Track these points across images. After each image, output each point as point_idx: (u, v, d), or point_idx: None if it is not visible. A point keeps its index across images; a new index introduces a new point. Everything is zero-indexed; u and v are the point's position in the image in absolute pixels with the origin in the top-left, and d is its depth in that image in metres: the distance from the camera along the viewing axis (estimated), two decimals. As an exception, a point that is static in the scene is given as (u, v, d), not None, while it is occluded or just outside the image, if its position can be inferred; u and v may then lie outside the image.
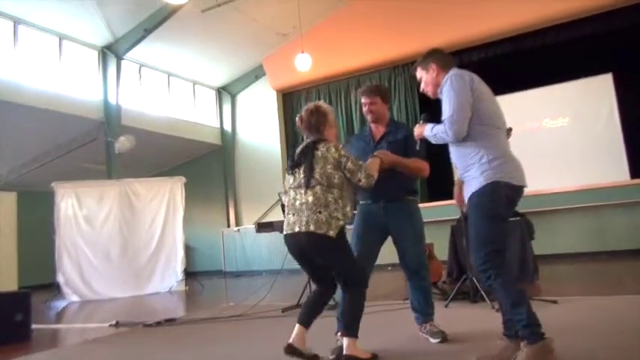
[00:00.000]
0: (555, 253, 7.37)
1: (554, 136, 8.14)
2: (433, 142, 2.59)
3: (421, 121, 2.74)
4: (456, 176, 2.72)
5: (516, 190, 2.44)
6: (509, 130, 4.85)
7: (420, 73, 2.69)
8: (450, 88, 2.42)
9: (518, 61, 8.19)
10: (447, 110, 2.42)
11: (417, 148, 2.90)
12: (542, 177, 7.86)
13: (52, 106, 7.75)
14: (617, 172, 7.54)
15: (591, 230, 7.52)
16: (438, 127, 2.48)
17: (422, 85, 2.69)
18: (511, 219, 5.08)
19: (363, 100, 3.18)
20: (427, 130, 2.58)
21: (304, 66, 8.62)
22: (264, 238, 9.39)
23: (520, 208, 5.74)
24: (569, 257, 7.39)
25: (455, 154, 2.55)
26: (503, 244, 2.39)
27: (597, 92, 7.90)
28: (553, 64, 7.90)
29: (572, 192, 7.59)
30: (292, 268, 7.55)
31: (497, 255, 2.32)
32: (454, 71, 2.50)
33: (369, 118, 3.19)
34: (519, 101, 8.35)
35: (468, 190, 2.45)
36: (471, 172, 2.44)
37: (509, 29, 8.16)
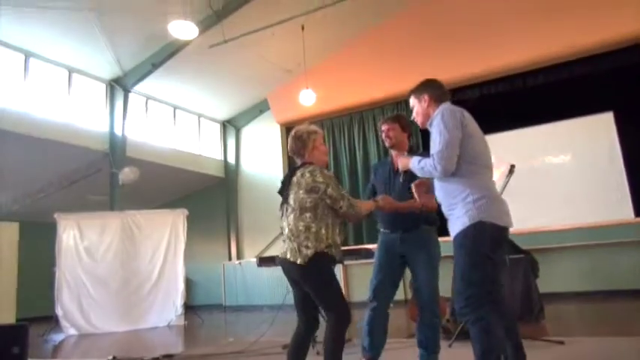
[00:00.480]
0: (559, 292, 7.26)
1: (556, 173, 8.16)
2: (419, 175, 2.56)
3: (405, 153, 2.74)
4: None
5: (502, 231, 2.38)
6: (512, 166, 4.89)
7: (412, 102, 2.68)
8: (440, 122, 2.40)
9: (520, 98, 8.30)
10: (436, 144, 2.38)
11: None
12: (545, 214, 7.85)
13: (59, 137, 7.84)
14: (622, 210, 7.51)
15: (596, 269, 7.43)
16: (426, 161, 2.44)
17: (413, 114, 2.68)
18: (515, 256, 5.09)
19: (383, 127, 3.22)
20: (413, 163, 2.53)
21: (308, 101, 8.76)
22: (265, 272, 9.29)
23: (523, 245, 5.73)
24: (573, 296, 7.26)
25: (440, 190, 2.52)
26: (491, 286, 2.32)
27: (599, 130, 7.96)
28: (555, 101, 7.99)
29: (576, 229, 7.54)
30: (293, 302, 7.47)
31: (480, 299, 2.25)
32: (446, 105, 2.49)
33: (386, 143, 3.22)
34: (521, 138, 8.42)
35: (453, 230, 2.41)
36: (455, 211, 2.40)
37: (512, 67, 8.29)
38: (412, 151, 2.83)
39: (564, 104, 7.89)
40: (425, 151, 2.67)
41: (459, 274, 2.33)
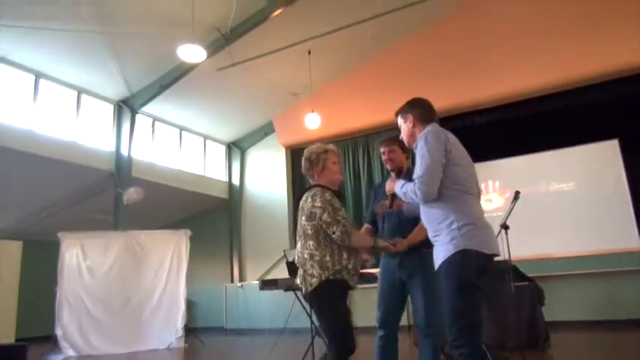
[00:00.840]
0: (565, 320, 7.15)
1: (561, 200, 8.12)
2: (403, 199, 2.50)
3: (393, 175, 2.69)
4: None
5: (487, 260, 2.30)
6: (517, 193, 4.89)
7: (399, 122, 2.63)
8: (423, 146, 2.33)
9: (526, 125, 8.30)
10: (417, 169, 2.33)
11: None
12: (550, 241, 7.79)
13: (65, 156, 7.90)
14: (627, 238, 7.43)
15: (602, 297, 7.32)
16: (408, 186, 2.38)
17: (402, 134, 2.63)
18: (520, 284, 5.04)
19: (382, 149, 3.16)
20: (398, 188, 2.47)
21: (313, 124, 8.82)
22: (267, 296, 9.21)
23: (528, 272, 5.68)
24: (579, 325, 7.15)
25: (424, 215, 2.45)
26: (478, 316, 2.25)
27: (604, 157, 7.95)
28: (561, 128, 8.00)
29: (582, 257, 7.47)
30: (295, 327, 7.36)
31: (471, 329, 2.18)
32: (431, 128, 2.42)
33: (388, 166, 3.14)
34: (527, 164, 8.43)
35: (438, 258, 2.33)
36: (440, 238, 2.33)
37: (519, 93, 8.30)
38: (405, 173, 2.79)
39: (570, 131, 7.89)
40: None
41: (447, 305, 2.24)
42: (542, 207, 7.99)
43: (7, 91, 7.47)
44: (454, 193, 2.30)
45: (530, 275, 5.48)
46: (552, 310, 6.18)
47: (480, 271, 2.27)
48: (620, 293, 7.23)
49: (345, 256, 2.61)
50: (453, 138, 2.41)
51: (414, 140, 2.48)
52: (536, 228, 7.72)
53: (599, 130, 7.77)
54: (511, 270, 4.53)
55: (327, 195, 2.67)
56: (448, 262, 2.25)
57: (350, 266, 2.61)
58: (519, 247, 5.33)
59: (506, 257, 4.49)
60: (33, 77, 7.78)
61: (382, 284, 3.10)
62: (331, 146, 2.89)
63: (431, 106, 2.58)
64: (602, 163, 7.96)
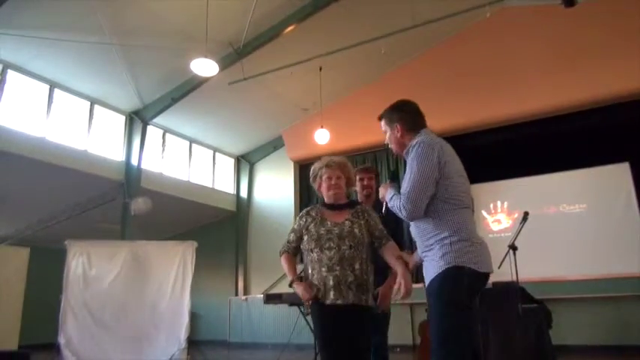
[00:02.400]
0: (572, 344, 7.03)
1: (571, 222, 8.05)
2: (392, 210, 2.34)
3: (388, 181, 2.50)
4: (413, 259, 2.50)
5: (480, 278, 2.14)
6: (526, 214, 4.86)
7: (384, 127, 2.45)
8: (414, 159, 2.17)
9: (536, 145, 8.27)
10: (405, 183, 2.19)
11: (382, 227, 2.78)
12: (559, 263, 7.70)
13: (76, 165, 7.99)
14: (638, 262, 7.33)
15: (611, 322, 7.19)
16: (396, 200, 2.24)
17: (386, 139, 2.46)
18: (528, 306, 4.97)
19: (360, 176, 3.37)
20: (388, 195, 2.33)
21: (322, 140, 8.86)
22: (271, 310, 9.17)
23: (536, 294, 5.60)
24: (587, 349, 7.02)
25: (415, 230, 2.29)
26: (467, 339, 2.08)
27: (615, 180, 7.89)
28: (571, 149, 7.95)
29: (591, 280, 7.36)
30: (299, 342, 7.31)
31: (461, 353, 2.02)
32: (424, 137, 2.24)
33: (363, 193, 3.37)
34: (536, 185, 8.37)
35: (428, 275, 2.18)
36: (430, 253, 2.17)
37: (529, 113, 8.30)
38: (395, 177, 2.74)
39: (580, 153, 7.85)
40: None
41: (437, 327, 2.09)
42: (551, 228, 7.92)
43: (22, 100, 7.59)
44: (447, 206, 2.15)
45: (538, 297, 5.40)
46: (560, 334, 6.08)
47: (472, 291, 2.13)
48: (630, 318, 7.10)
49: (320, 270, 2.59)
50: (448, 149, 2.26)
51: (404, 148, 2.34)
52: (545, 250, 7.64)
53: (609, 153, 7.73)
54: (519, 291, 4.48)
55: (302, 212, 2.82)
56: (439, 278, 2.09)
57: (331, 282, 2.53)
58: (527, 268, 5.27)
59: (514, 278, 4.44)
60: (48, 87, 7.91)
61: None
62: (332, 159, 2.82)
63: (419, 111, 2.42)
64: (612, 185, 7.89)
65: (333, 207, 2.75)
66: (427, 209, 2.17)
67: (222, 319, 10.35)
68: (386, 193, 2.39)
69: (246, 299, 10.32)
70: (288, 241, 2.80)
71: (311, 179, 2.88)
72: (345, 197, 2.81)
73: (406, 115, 2.38)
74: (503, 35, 8.51)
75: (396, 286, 2.34)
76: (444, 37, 8.89)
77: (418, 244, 2.30)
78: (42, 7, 6.51)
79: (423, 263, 2.27)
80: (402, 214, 2.20)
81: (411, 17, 7.08)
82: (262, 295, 7.56)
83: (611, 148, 7.66)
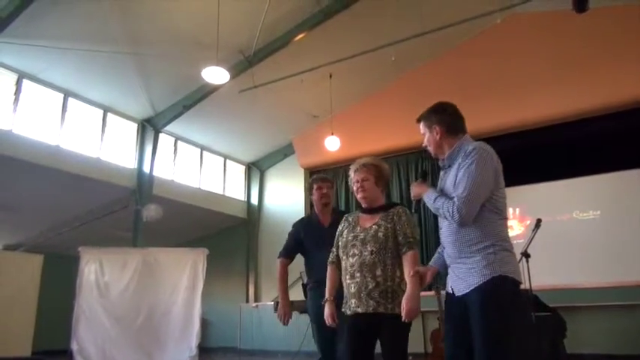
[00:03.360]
0: (588, 354, 6.91)
1: (585, 229, 7.94)
2: (433, 212, 2.27)
3: (420, 179, 2.45)
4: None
5: (519, 288, 2.15)
6: (539, 221, 4.81)
7: (422, 129, 2.40)
8: (473, 163, 2.12)
9: (548, 151, 8.17)
10: (460, 187, 2.11)
11: None
12: (572, 270, 7.59)
13: (89, 172, 8.08)
14: (654, 269, 7.21)
15: (627, 331, 7.06)
16: (444, 202, 2.16)
17: (424, 141, 2.41)
18: (541, 314, 4.92)
19: (319, 185, 3.46)
20: (428, 198, 2.26)
21: (333, 147, 8.87)
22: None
23: (550, 302, 5.53)
24: (602, 359, 6.90)
25: (451, 235, 2.21)
26: (521, 345, 2.11)
27: (629, 186, 7.78)
28: (583, 155, 7.85)
29: (606, 288, 7.23)
30: (309, 350, 7.24)
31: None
32: (481, 144, 2.22)
33: (323, 201, 3.45)
34: (548, 191, 8.29)
35: (467, 282, 2.11)
36: (470, 261, 2.12)
37: (541, 119, 8.22)
38: (425, 176, 2.64)
39: (594, 159, 7.75)
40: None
41: (494, 344, 1.99)
42: (564, 235, 7.82)
43: (37, 109, 7.70)
44: (494, 216, 2.14)
45: (551, 306, 5.34)
46: (575, 343, 5.99)
47: (520, 301, 2.16)
48: (646, 327, 6.98)
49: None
50: (498, 158, 2.24)
51: (443, 152, 2.31)
52: (559, 257, 7.54)
53: (623, 159, 7.62)
54: (532, 299, 4.43)
55: (343, 218, 2.78)
56: (485, 287, 2.05)
57: (344, 292, 2.54)
58: (540, 276, 5.22)
59: (527, 286, 4.40)
60: (62, 96, 8.02)
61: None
62: (359, 161, 2.75)
63: (459, 114, 2.38)
64: (626, 192, 7.79)
65: (366, 211, 2.65)
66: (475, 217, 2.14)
67: (232, 326, 10.34)
68: (425, 194, 2.30)
69: (257, 306, 10.31)
70: (332, 252, 2.73)
71: (350, 186, 2.80)
72: (380, 199, 2.68)
73: (446, 118, 2.34)
74: (514, 41, 8.46)
75: (402, 309, 2.30)
76: (454, 43, 8.87)
77: (452, 250, 2.23)
78: (56, 18, 6.62)
79: (454, 271, 2.21)
80: (454, 218, 2.11)
81: (421, 24, 7.08)
82: (273, 303, 7.54)
83: (625, 153, 7.55)
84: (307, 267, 3.47)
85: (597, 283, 7.32)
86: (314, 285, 3.27)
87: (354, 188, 2.68)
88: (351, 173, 2.71)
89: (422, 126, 2.41)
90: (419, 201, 2.42)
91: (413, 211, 2.61)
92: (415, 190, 2.38)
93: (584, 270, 7.53)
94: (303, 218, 3.70)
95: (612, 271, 7.40)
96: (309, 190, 3.57)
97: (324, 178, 3.59)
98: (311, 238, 3.38)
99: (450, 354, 2.19)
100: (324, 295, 2.68)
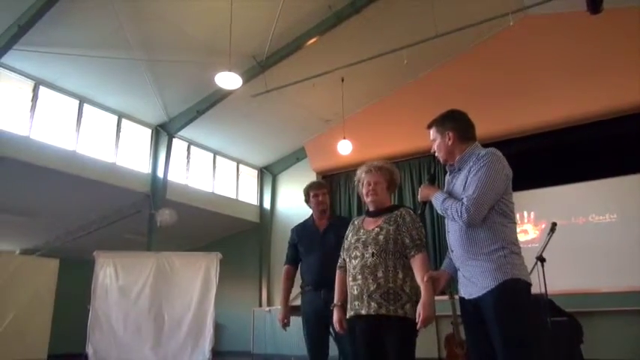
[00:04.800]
0: (605, 359, 6.79)
1: (601, 232, 7.81)
2: (440, 213, 2.29)
3: (427, 182, 2.49)
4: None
5: (530, 291, 2.16)
6: (554, 224, 4.75)
7: (433, 135, 2.41)
8: (485, 167, 2.15)
9: (562, 154, 8.10)
10: (471, 188, 2.13)
11: None
12: (589, 275, 7.47)
13: (104, 177, 8.18)
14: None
15: (646, 337, 6.94)
16: (452, 203, 2.18)
17: (434, 147, 2.42)
18: (557, 319, 4.85)
19: (315, 192, 3.54)
20: (437, 200, 2.28)
21: (345, 150, 8.87)
22: (295, 322, 9.10)
23: (566, 307, 5.45)
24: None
25: (459, 237, 2.22)
26: (538, 347, 2.14)
27: (646, 189, 7.66)
28: (599, 158, 7.75)
29: (624, 293, 7.12)
30: (322, 355, 7.24)
31: None
32: (493, 149, 2.25)
33: (320, 208, 3.52)
34: (563, 194, 8.19)
35: (478, 286, 2.12)
36: (479, 264, 2.13)
37: (555, 121, 8.15)
38: (434, 179, 2.66)
39: (609, 161, 7.64)
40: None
41: (516, 347, 1.99)
42: (580, 239, 7.71)
43: (53, 115, 7.83)
44: (503, 220, 2.16)
45: (567, 310, 5.26)
46: (592, 348, 5.88)
47: (533, 302, 2.18)
48: (665, 333, 6.84)
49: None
50: (508, 165, 2.27)
51: (453, 158, 2.33)
52: (574, 261, 7.44)
53: (640, 161, 7.51)
54: (547, 304, 4.37)
55: (351, 222, 2.82)
56: (499, 290, 2.05)
57: (348, 293, 2.57)
58: (556, 280, 5.15)
59: (542, 291, 4.34)
60: (77, 102, 8.14)
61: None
62: (373, 164, 2.74)
63: (471, 122, 2.41)
64: (644, 195, 7.66)
65: (371, 214, 2.66)
66: (483, 219, 2.16)
67: (245, 330, 10.35)
68: (432, 196, 2.32)
69: (270, 310, 10.31)
70: (340, 256, 2.73)
71: (356, 185, 2.79)
72: (388, 202, 2.68)
73: (459, 124, 2.36)
74: (527, 43, 8.40)
75: (417, 317, 2.28)
76: (466, 46, 8.84)
77: (460, 252, 2.23)
78: (71, 26, 6.74)
79: (464, 274, 2.22)
80: (461, 218, 2.12)
81: (434, 27, 7.05)
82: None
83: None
84: (301, 271, 3.51)
85: (614, 287, 7.20)
86: (308, 289, 3.38)
87: (364, 191, 2.65)
88: (362, 174, 2.70)
89: (433, 132, 2.42)
90: (425, 203, 2.43)
91: (419, 212, 2.60)
92: (423, 192, 2.39)
93: (601, 274, 7.41)
94: (299, 224, 3.71)
95: (630, 275, 7.27)
96: (305, 200, 3.59)
97: (319, 184, 3.65)
98: (304, 242, 3.45)
99: None
100: (314, 298, 2.94)
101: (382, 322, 2.39)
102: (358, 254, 2.52)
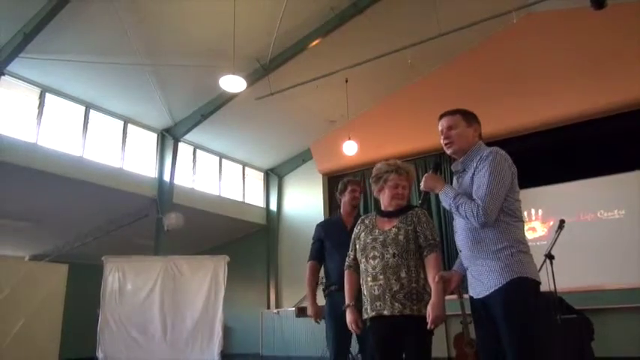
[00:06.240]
0: (616, 357, 6.74)
1: (610, 229, 7.76)
2: (448, 209, 2.26)
3: (431, 171, 2.42)
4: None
5: (539, 289, 2.17)
6: (562, 222, 4.74)
7: (454, 122, 2.35)
8: (492, 166, 2.15)
9: (569, 150, 8.04)
10: (483, 189, 2.13)
11: None
12: (599, 272, 7.43)
13: (111, 182, 8.23)
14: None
15: (658, 333, 6.88)
16: (466, 202, 2.16)
17: (451, 134, 2.35)
18: (567, 316, 4.82)
19: (354, 187, 3.51)
20: (446, 195, 2.24)
21: (350, 151, 8.87)
22: (303, 323, 9.14)
23: (576, 304, 5.42)
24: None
25: (467, 238, 2.23)
26: (544, 346, 2.09)
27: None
28: (606, 154, 7.70)
29: (634, 289, 7.07)
30: (331, 356, 7.25)
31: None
32: (497, 148, 2.26)
33: (354, 203, 3.51)
34: (571, 191, 8.14)
35: (487, 284, 2.13)
36: (487, 263, 2.14)
37: (561, 118, 8.11)
38: (438, 168, 2.55)
39: (617, 157, 7.59)
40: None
41: (517, 340, 2.01)
42: (589, 236, 7.67)
43: (60, 121, 7.88)
44: (510, 218, 2.17)
45: (578, 308, 5.23)
46: (603, 345, 5.84)
47: (542, 302, 2.16)
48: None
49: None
50: (512, 162, 2.29)
51: (464, 152, 2.32)
52: (583, 258, 7.40)
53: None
54: (557, 302, 4.35)
55: (358, 221, 2.83)
56: (507, 289, 2.06)
57: (366, 293, 2.54)
58: (565, 277, 5.12)
59: (552, 288, 4.32)
60: (83, 108, 8.19)
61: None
62: (401, 165, 2.71)
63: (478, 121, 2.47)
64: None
65: (385, 214, 2.64)
66: None
67: (254, 332, 10.38)
68: (441, 190, 2.29)
69: (278, 312, 10.33)
70: (347, 255, 2.73)
71: (372, 179, 2.71)
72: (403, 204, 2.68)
73: (479, 125, 2.42)
74: (531, 41, 8.37)
75: (428, 316, 2.30)
76: (470, 44, 8.81)
77: (468, 252, 2.25)
78: (76, 33, 6.79)
79: (472, 273, 2.22)
80: (478, 219, 2.11)
81: (437, 26, 7.05)
82: (294, 309, 7.55)
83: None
84: (326, 269, 3.43)
85: (624, 283, 7.15)
86: (334, 288, 3.23)
87: (391, 193, 2.61)
88: (390, 174, 2.64)
89: (455, 119, 2.36)
90: (427, 192, 2.42)
91: (420, 201, 2.62)
92: (428, 182, 2.35)
93: (610, 271, 7.36)
94: (323, 220, 3.73)
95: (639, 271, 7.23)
96: (340, 191, 3.52)
97: (357, 181, 3.63)
98: (332, 239, 3.38)
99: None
100: (342, 299, 2.68)
101: (405, 322, 2.39)
102: (377, 254, 2.49)
